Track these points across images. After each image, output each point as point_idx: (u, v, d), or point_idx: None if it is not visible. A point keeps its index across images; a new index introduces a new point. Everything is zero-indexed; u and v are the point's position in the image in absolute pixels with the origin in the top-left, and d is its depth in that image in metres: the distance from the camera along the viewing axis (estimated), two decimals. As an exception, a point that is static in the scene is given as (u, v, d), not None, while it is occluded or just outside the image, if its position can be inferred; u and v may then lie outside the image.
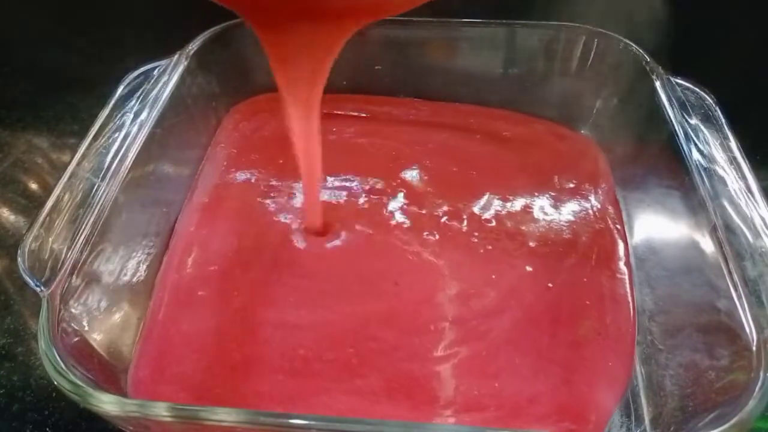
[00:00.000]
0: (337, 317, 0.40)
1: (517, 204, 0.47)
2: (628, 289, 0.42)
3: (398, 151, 0.52)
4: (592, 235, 0.45)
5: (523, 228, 0.45)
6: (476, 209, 0.47)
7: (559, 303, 0.40)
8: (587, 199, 0.48)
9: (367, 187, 0.49)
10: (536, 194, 0.48)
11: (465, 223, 0.46)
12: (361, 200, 0.48)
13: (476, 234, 0.45)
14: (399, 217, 0.46)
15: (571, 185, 0.49)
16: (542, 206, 0.47)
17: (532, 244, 0.44)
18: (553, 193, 0.49)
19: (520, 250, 0.44)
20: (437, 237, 0.45)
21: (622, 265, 0.43)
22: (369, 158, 0.52)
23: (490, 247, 0.44)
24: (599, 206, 0.47)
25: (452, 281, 0.42)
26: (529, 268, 0.42)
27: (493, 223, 0.46)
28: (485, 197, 0.48)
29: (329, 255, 0.44)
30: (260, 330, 0.39)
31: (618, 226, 0.46)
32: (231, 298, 0.41)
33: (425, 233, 0.45)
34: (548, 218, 0.46)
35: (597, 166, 0.51)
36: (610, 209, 0.47)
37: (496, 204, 0.47)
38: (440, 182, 0.49)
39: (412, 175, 0.50)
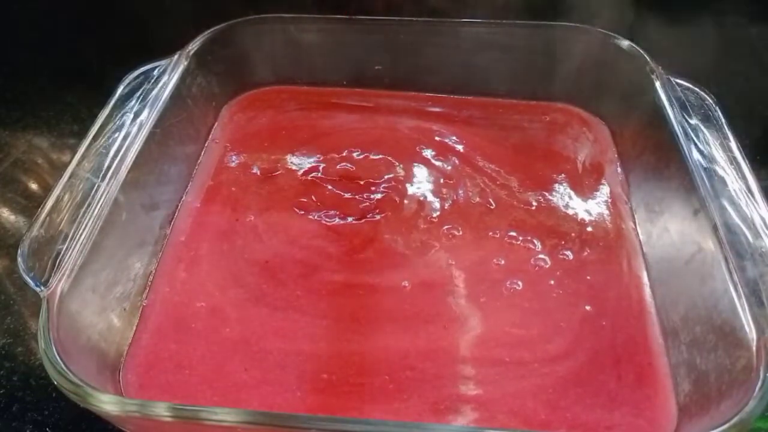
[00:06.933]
0: (366, 350, 0.39)
1: (573, 227, 0.46)
2: (652, 300, 0.42)
3: (412, 136, 0.53)
4: (617, 244, 0.45)
5: (584, 254, 0.44)
6: (536, 241, 0.45)
7: (614, 341, 0.39)
8: (607, 207, 0.48)
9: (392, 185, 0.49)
10: (570, 204, 0.48)
11: (538, 262, 0.44)
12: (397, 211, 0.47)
13: (550, 278, 0.43)
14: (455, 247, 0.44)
15: (591, 187, 0.49)
16: (582, 220, 0.46)
17: (589, 277, 0.43)
18: (582, 201, 0.48)
19: (583, 286, 0.42)
20: (508, 284, 0.42)
21: (645, 276, 0.43)
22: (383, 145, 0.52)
23: (561, 292, 0.42)
24: (618, 214, 0.47)
25: (511, 329, 0.40)
26: (588, 308, 0.41)
27: (569, 256, 0.44)
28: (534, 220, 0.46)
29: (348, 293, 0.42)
30: (269, 357, 0.38)
31: (634, 230, 0.46)
32: (225, 333, 0.40)
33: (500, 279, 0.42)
34: (588, 235, 0.45)
35: (606, 166, 0.51)
36: (625, 213, 0.47)
37: (551, 232, 0.45)
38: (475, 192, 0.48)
39: (454, 191, 0.49)
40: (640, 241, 0.45)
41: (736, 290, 0.33)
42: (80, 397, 0.30)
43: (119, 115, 0.43)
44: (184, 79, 0.49)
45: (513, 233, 0.45)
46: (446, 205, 0.47)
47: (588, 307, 0.41)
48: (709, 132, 0.42)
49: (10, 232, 0.51)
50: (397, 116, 0.55)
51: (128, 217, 0.41)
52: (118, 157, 0.41)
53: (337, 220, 0.46)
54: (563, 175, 0.50)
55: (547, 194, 0.48)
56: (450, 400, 0.36)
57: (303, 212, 0.47)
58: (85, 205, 0.38)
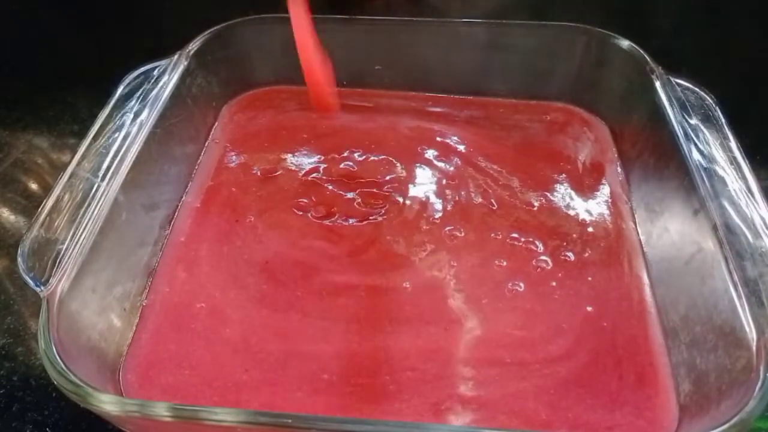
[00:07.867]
0: (366, 350, 0.39)
1: (573, 227, 0.46)
2: (653, 300, 0.42)
3: (413, 136, 0.53)
4: (618, 244, 0.45)
5: (585, 255, 0.44)
6: (538, 242, 0.45)
7: (615, 341, 0.39)
8: (607, 206, 0.48)
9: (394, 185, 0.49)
10: (570, 204, 0.48)
11: (541, 262, 0.44)
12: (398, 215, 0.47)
13: (552, 279, 0.42)
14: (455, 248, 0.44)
15: (591, 187, 0.49)
16: (583, 220, 0.46)
17: (590, 278, 0.43)
18: (583, 199, 0.48)
19: (585, 287, 0.42)
20: (511, 287, 0.42)
21: (645, 276, 0.43)
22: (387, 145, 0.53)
23: (562, 293, 0.42)
24: (618, 213, 0.47)
25: (513, 330, 0.40)
26: (589, 308, 0.41)
27: (571, 257, 0.44)
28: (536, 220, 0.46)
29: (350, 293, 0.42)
30: (269, 357, 0.38)
31: (635, 230, 0.46)
32: (225, 333, 0.40)
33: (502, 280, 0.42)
34: (589, 235, 0.45)
35: (606, 165, 0.51)
36: (625, 212, 0.47)
37: (552, 233, 0.45)
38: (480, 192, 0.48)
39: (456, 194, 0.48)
40: (640, 241, 0.45)
41: (736, 290, 0.33)
42: (80, 397, 0.30)
43: (119, 115, 0.43)
44: (184, 79, 0.49)
45: (515, 234, 0.45)
46: (448, 206, 0.47)
47: (589, 308, 0.41)
48: (709, 132, 0.42)
49: (10, 232, 0.51)
50: (398, 116, 0.55)
51: (128, 217, 0.41)
52: (118, 157, 0.41)
53: (338, 221, 0.46)
54: (564, 175, 0.50)
55: (548, 194, 0.48)
56: (451, 401, 0.36)
57: (303, 213, 0.47)
58: (85, 205, 0.37)
